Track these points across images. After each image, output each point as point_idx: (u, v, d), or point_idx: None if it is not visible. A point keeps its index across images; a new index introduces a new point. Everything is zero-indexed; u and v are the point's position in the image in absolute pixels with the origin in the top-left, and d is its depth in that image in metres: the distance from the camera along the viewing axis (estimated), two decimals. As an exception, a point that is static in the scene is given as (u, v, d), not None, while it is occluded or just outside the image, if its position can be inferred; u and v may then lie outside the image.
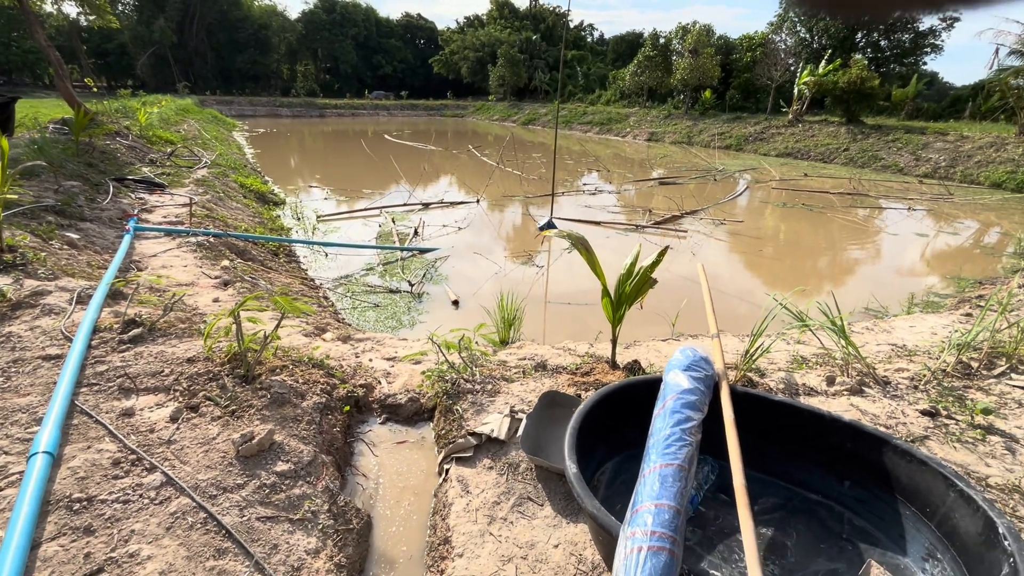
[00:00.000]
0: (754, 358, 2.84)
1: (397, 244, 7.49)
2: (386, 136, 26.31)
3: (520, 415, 2.41)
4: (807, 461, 2.10)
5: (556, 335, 5.10)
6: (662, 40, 30.78)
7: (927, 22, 26.76)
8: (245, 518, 1.82)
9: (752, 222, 10.00)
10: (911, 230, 9.62)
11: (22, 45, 34.91)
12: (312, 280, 6.27)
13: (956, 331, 3.70)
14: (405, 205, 10.09)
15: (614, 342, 2.90)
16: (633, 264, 2.71)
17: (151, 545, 1.66)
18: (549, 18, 53.31)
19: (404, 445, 2.60)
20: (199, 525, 1.74)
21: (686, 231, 8.82)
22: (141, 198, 7.24)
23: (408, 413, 2.78)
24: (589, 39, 58.21)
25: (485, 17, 57.05)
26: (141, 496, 1.82)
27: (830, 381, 2.90)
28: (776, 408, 2.12)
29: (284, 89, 51.12)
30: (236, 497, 1.88)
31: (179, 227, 6.01)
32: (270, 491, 1.94)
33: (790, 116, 22.91)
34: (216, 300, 4.30)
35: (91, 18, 13.57)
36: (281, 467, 2.04)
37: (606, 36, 57.71)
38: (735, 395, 2.09)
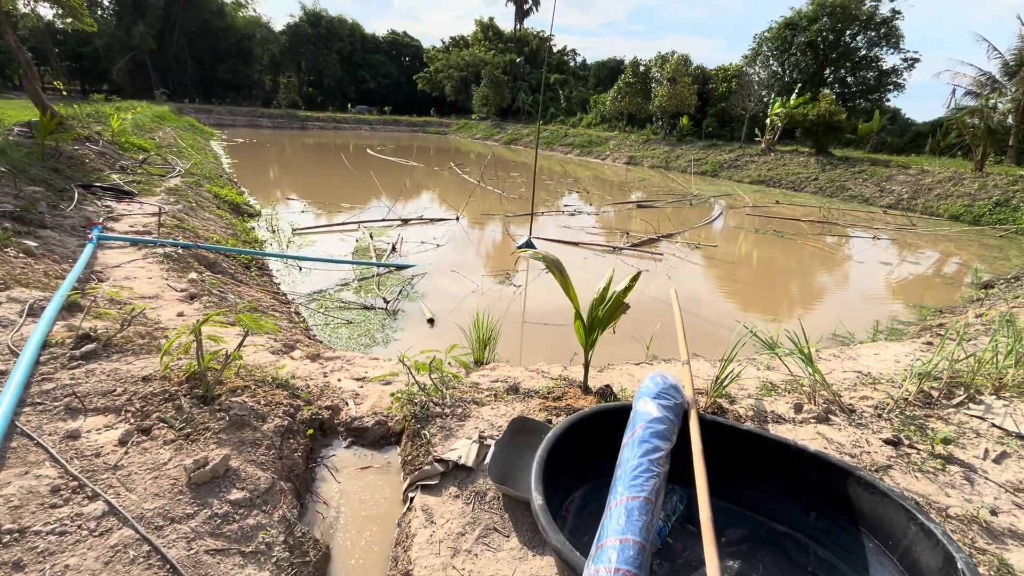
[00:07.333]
0: (724, 384, 2.86)
1: (374, 260, 7.40)
2: (368, 150, 26.25)
3: (489, 441, 2.36)
4: (775, 491, 2.10)
5: (532, 355, 5.07)
6: (642, 68, 31.68)
7: (890, 61, 28.23)
8: (193, 551, 1.71)
9: (726, 247, 10.22)
10: (876, 258, 9.97)
11: (-8, 45, 33.97)
12: (284, 295, 6.12)
13: (918, 360, 3.80)
14: (384, 220, 10.01)
15: (586, 366, 2.88)
16: (606, 288, 2.71)
17: (87, 581, 1.54)
18: (533, 42, 54.41)
19: (368, 471, 2.51)
20: (141, 559, 1.64)
21: (662, 254, 8.96)
22: (108, 206, 7.01)
23: (375, 437, 2.70)
24: (572, 63, 59.49)
25: (470, 38, 57.88)
26: (80, 527, 1.71)
27: (797, 409, 2.93)
28: (744, 437, 2.13)
29: (266, 100, 50.71)
30: (184, 528, 1.77)
31: (146, 237, 5.83)
32: (222, 521, 1.84)
33: (763, 145, 23.71)
34: (180, 314, 4.15)
35: (67, 21, 13.22)
36: (235, 495, 1.94)
37: (588, 61, 58.92)
38: (704, 423, 2.09)
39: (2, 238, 4.53)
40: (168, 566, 1.64)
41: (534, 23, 58.50)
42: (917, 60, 27.62)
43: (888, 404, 3.05)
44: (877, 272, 9.06)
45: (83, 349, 2.78)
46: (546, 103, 43.48)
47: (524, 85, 47.54)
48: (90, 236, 5.36)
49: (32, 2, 11.89)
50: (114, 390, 2.45)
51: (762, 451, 2.10)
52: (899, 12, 26.75)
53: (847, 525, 1.90)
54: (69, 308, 3.47)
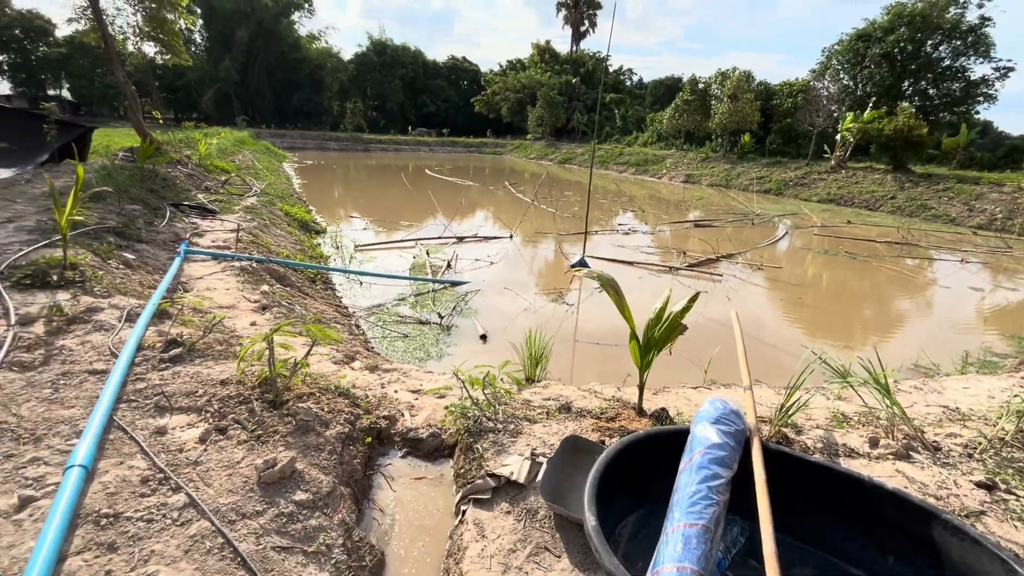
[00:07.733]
0: (790, 413, 2.70)
1: (430, 276, 7.62)
2: (426, 171, 27.22)
3: (541, 459, 2.36)
4: (847, 530, 1.95)
5: (583, 375, 5.01)
6: (701, 85, 31.09)
7: (979, 71, 26.16)
8: (261, 546, 1.82)
9: (792, 268, 9.72)
10: (965, 283, 9.13)
11: (103, 80, 38.51)
12: (346, 308, 6.42)
13: (1016, 396, 3.43)
14: (440, 238, 10.31)
15: (641, 388, 2.82)
16: (663, 309, 2.66)
17: (169, 568, 1.67)
18: (589, 63, 54.88)
19: (422, 481, 2.57)
20: (216, 550, 1.75)
21: (721, 275, 8.64)
22: (194, 222, 7.67)
23: (429, 448, 2.76)
24: (628, 83, 59.32)
25: (527, 61, 59.22)
26: (164, 516, 1.86)
27: (873, 443, 2.72)
28: (812, 469, 2.00)
29: (333, 124, 53.99)
30: (254, 524, 1.89)
31: (225, 251, 6.31)
32: (287, 520, 1.95)
33: (833, 162, 22.49)
34: (253, 323, 4.45)
35: (166, 57, 14.85)
36: (300, 496, 2.05)
37: (645, 80, 58.50)
38: (768, 453, 1.99)
39: (107, 251, 5.06)
40: (239, 559, 1.74)
41: (590, 44, 59.26)
42: (1011, 69, 25.44)
43: (980, 443, 2.77)
44: (966, 298, 8.30)
45: (171, 353, 3.04)
46: (601, 122, 43.50)
47: (579, 105, 47.90)
48: (178, 250, 5.88)
49: (139, 41, 13.33)
50: (196, 391, 2.66)
51: (833, 486, 1.96)
52: (989, 19, 24.84)
53: (931, 572, 1.74)
54: (159, 315, 3.81)
